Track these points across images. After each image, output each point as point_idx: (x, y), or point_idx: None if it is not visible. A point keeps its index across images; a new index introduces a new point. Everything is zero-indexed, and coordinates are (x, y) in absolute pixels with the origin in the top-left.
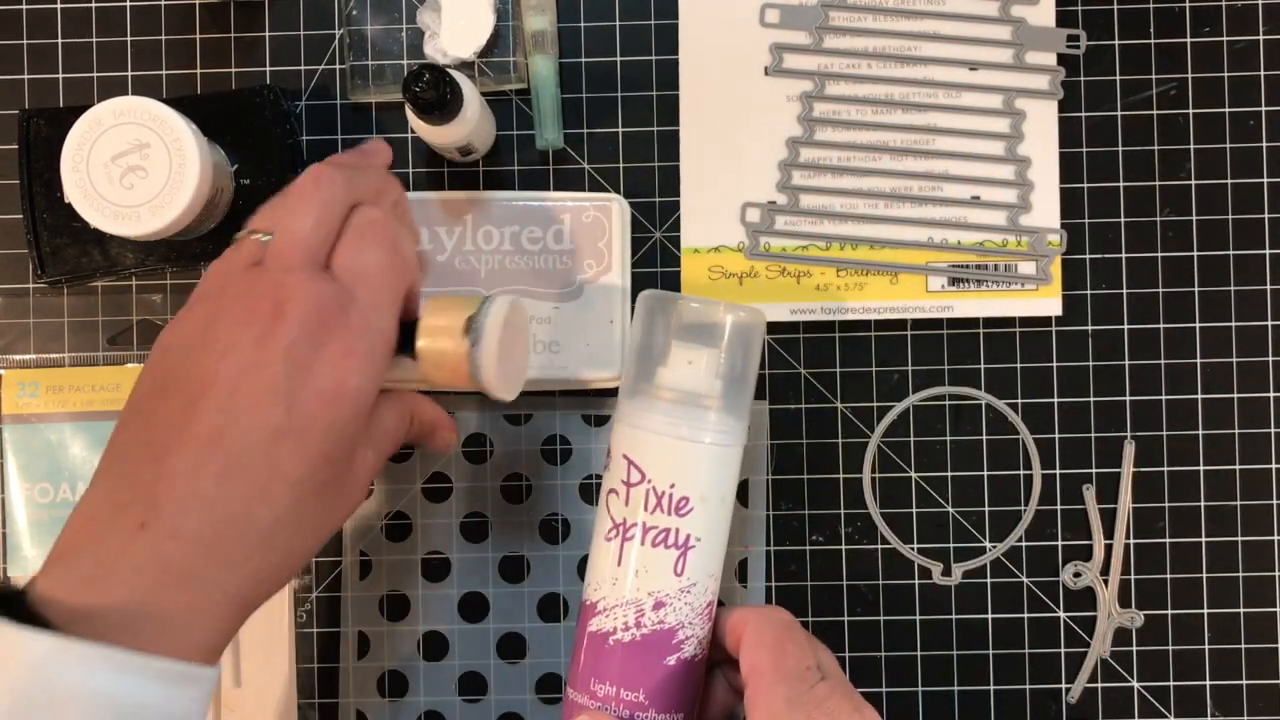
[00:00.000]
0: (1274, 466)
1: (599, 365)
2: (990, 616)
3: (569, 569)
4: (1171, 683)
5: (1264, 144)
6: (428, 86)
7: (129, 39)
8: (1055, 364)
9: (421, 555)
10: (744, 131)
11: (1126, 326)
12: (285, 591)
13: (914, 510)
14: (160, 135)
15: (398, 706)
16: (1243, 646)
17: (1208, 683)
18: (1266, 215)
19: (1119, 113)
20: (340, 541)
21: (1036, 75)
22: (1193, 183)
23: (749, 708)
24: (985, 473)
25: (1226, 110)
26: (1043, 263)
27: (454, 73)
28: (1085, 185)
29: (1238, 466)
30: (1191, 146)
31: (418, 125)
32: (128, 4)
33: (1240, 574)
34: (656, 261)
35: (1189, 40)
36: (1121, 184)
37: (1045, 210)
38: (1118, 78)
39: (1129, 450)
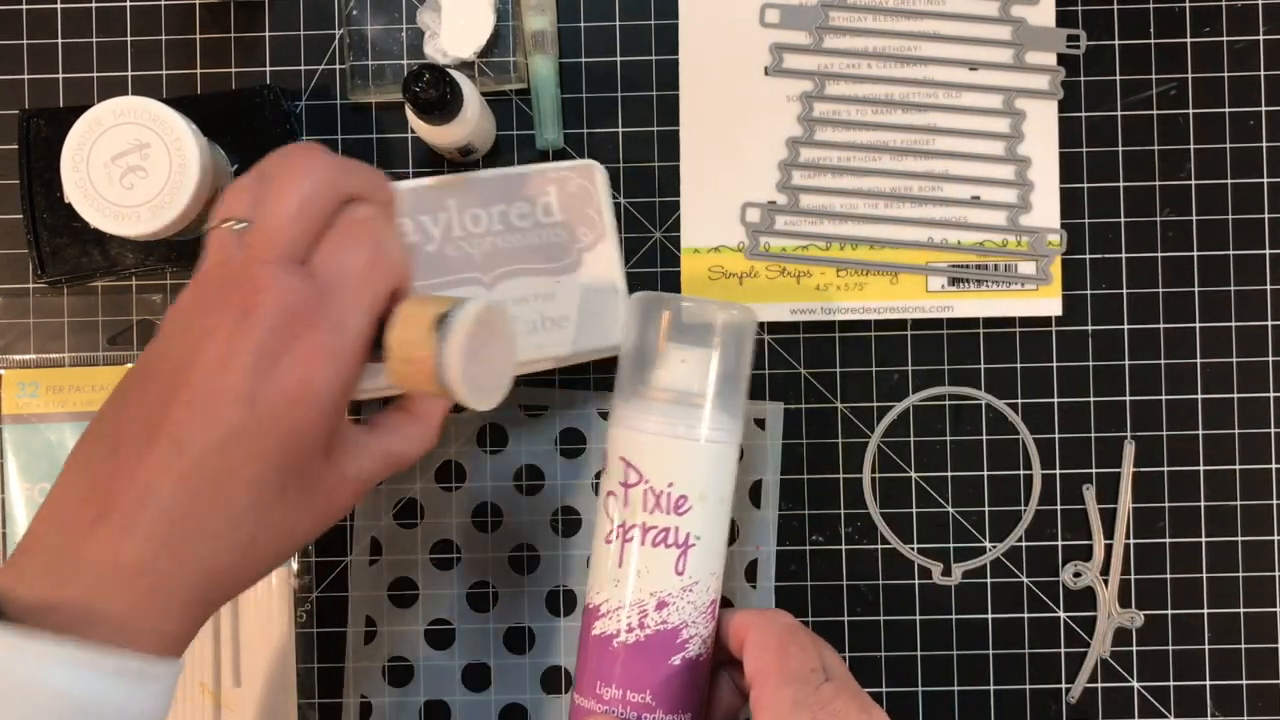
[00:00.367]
0: (1274, 466)
1: (607, 335)
2: (990, 616)
3: (577, 564)
4: (1171, 683)
5: (1264, 144)
6: (428, 86)
7: (129, 39)
8: (1055, 364)
9: (429, 546)
10: (744, 131)
11: (1126, 326)
12: (285, 591)
13: (914, 510)
14: (160, 135)
15: (401, 700)
16: (1243, 646)
17: (1208, 683)
18: (1266, 215)
19: (1119, 113)
20: (347, 537)
21: (1036, 75)
22: (1193, 183)
23: (755, 710)
24: (985, 473)
25: (1226, 110)
26: (1043, 263)
27: (454, 73)
28: (1085, 185)
29: (1238, 466)
30: (1191, 146)
31: (418, 125)
32: (128, 4)
33: (1240, 574)
34: (656, 261)
35: (1189, 40)
36: (1121, 184)
37: (1045, 210)
38: (1118, 78)
39: (1129, 450)
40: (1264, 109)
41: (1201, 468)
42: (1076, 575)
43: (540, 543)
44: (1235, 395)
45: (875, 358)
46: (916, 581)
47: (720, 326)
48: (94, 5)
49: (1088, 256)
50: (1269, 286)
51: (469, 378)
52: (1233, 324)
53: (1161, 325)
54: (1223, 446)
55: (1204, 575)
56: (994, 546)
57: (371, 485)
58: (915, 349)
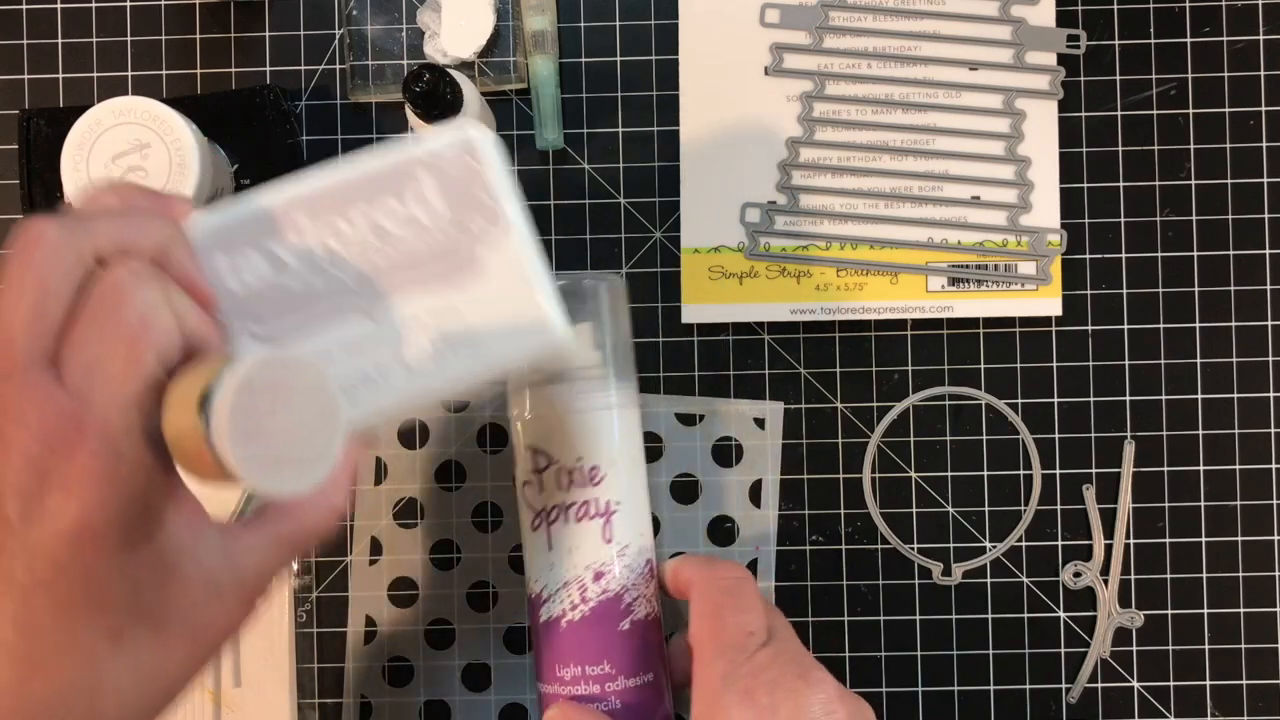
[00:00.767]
0: (1274, 466)
1: (532, 337)
2: (990, 616)
3: None
4: (1171, 683)
5: (1264, 144)
6: (428, 86)
7: (129, 39)
8: (1055, 364)
9: (429, 546)
10: (744, 131)
11: (1126, 326)
12: (285, 591)
13: (914, 510)
14: (160, 135)
15: (400, 700)
16: (1243, 646)
17: (1208, 683)
18: (1266, 215)
19: (1119, 113)
20: (347, 537)
21: (1036, 75)
22: (1193, 183)
23: (693, 685)
24: (985, 473)
25: (1226, 110)
26: (1043, 263)
27: (454, 73)
28: (1085, 185)
29: (1238, 466)
30: (1191, 146)
31: (418, 125)
32: (128, 4)
33: (1240, 574)
34: (656, 262)
35: (1189, 40)
36: (1121, 184)
37: (1045, 210)
38: (1118, 78)
39: (1129, 450)
40: (1264, 109)
41: (1201, 468)
42: (1076, 575)
43: None
44: (1235, 395)
45: (875, 358)
46: (916, 581)
47: (591, 296)
48: (94, 5)
49: (1088, 256)
50: (1269, 286)
51: (256, 460)
52: (1233, 324)
53: (1161, 325)
54: (1223, 446)
55: (1204, 575)
56: (994, 546)
57: (266, 581)
58: (915, 349)
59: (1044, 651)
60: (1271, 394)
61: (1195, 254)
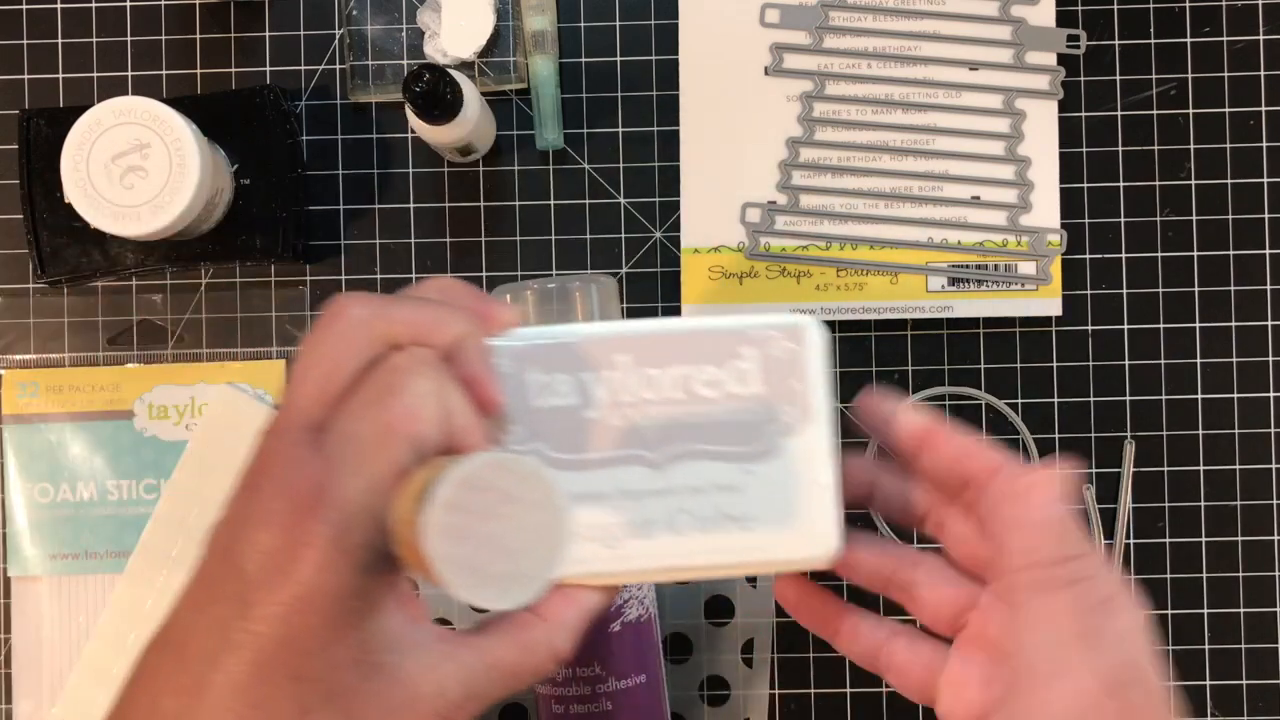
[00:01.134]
0: (1274, 467)
1: (807, 542)
2: None
3: None
4: (1171, 682)
5: (1264, 144)
6: (428, 86)
7: (129, 39)
8: (1055, 364)
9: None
10: (744, 131)
11: (1126, 326)
12: None
13: None
14: (160, 135)
15: None
16: (1243, 646)
17: (1208, 683)
18: (1266, 215)
19: (1119, 113)
20: None
21: (1036, 75)
22: (1193, 183)
23: (1012, 601)
24: None
25: (1226, 110)
26: (1043, 263)
27: (454, 73)
28: (1085, 185)
29: (1238, 466)
30: (1191, 146)
31: (418, 125)
32: (128, 4)
33: (1240, 574)
34: (656, 262)
35: (1189, 40)
36: (1121, 184)
37: (1045, 210)
38: (1118, 78)
39: (1129, 450)
40: (1264, 109)
41: (1201, 468)
42: None
43: None
44: (1235, 395)
45: (875, 358)
46: None
47: (585, 296)
48: (94, 5)
49: (1088, 256)
50: (1269, 286)
51: (458, 563)
52: (1233, 324)
53: (1161, 325)
54: (1223, 446)
55: (1204, 575)
56: None
57: (471, 705)
58: (915, 349)
59: None
60: (1271, 394)
61: (1195, 254)
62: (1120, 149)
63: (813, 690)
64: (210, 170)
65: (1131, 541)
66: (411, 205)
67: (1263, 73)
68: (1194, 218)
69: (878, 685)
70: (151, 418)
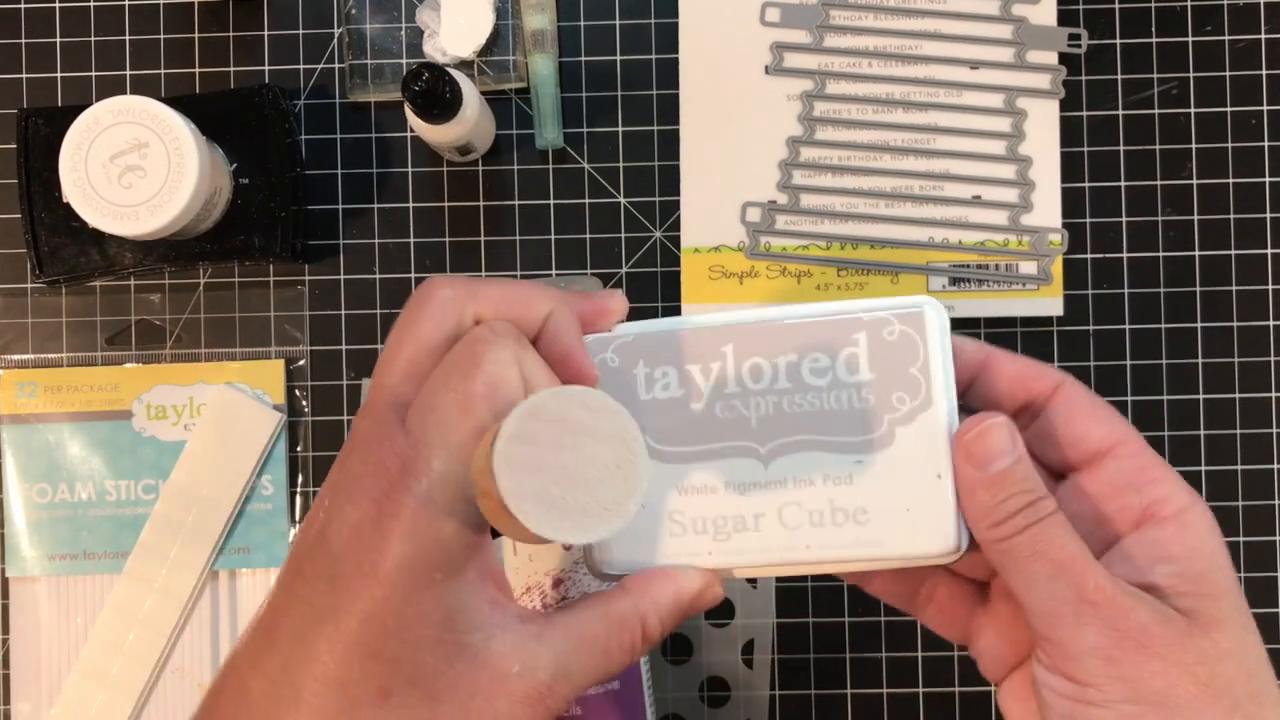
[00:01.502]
0: (1275, 467)
1: (926, 536)
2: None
3: None
4: None
5: (1265, 143)
6: (427, 85)
7: (128, 38)
8: (1056, 364)
9: None
10: (744, 131)
11: (1128, 326)
12: None
13: None
14: (159, 134)
15: None
16: None
17: None
18: (1268, 215)
19: (1120, 112)
20: None
21: (1038, 74)
22: (1194, 182)
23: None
24: None
25: (1228, 109)
26: (1044, 262)
27: (453, 72)
28: (1087, 185)
29: (1239, 467)
30: (1193, 146)
31: (417, 124)
32: (126, 3)
33: (1242, 574)
34: (656, 261)
35: (1190, 39)
36: (1123, 183)
37: (1046, 210)
38: (1119, 77)
39: None
40: (1265, 108)
41: (1203, 468)
42: None
43: None
44: (1237, 395)
45: None
46: None
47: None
48: (92, 4)
49: (1089, 256)
50: (1270, 286)
51: (529, 494)
52: (1234, 324)
53: (1163, 325)
54: (1224, 446)
55: None
56: None
57: (563, 687)
58: None
59: None
60: (1273, 394)
61: (1197, 254)
62: (1122, 148)
63: (813, 691)
64: (209, 170)
65: None
66: (411, 205)
67: (1264, 72)
68: (1195, 217)
69: (878, 686)
70: (150, 418)
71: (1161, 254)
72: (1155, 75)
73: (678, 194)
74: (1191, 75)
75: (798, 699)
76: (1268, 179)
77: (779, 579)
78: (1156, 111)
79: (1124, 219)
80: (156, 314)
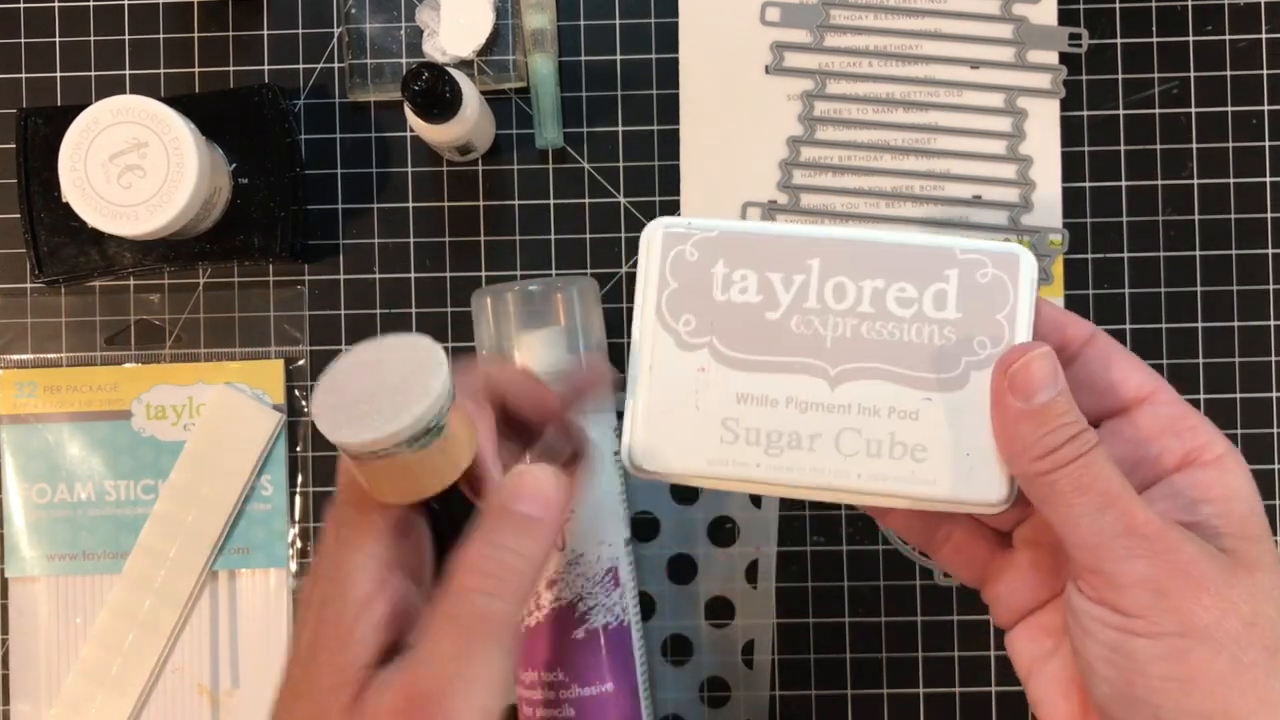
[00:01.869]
0: (1275, 468)
1: (981, 483)
2: (992, 617)
3: None
4: None
5: (1266, 143)
6: (427, 85)
7: (127, 38)
8: None
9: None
10: (744, 130)
11: (1129, 326)
12: (283, 593)
13: None
14: (158, 134)
15: None
16: None
17: None
18: (1269, 215)
19: (1121, 111)
20: None
21: (1038, 74)
22: (1195, 182)
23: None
24: None
25: (1229, 109)
26: (1045, 262)
27: (453, 71)
28: (1087, 184)
29: None
30: (1194, 146)
31: (416, 124)
32: (125, 3)
33: None
34: None
35: (1191, 39)
36: (1123, 183)
37: (1047, 210)
38: (1120, 76)
39: None
40: (1266, 108)
41: None
42: None
43: None
44: (1237, 395)
45: None
46: (918, 582)
47: (567, 299)
48: (92, 4)
49: (1089, 256)
50: (1271, 286)
51: (332, 408)
52: (1235, 324)
53: (1164, 325)
54: None
55: None
56: None
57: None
58: None
59: None
60: (1274, 394)
61: (1197, 253)
62: (1122, 148)
63: (813, 691)
64: (208, 169)
65: None
66: (410, 204)
67: (1265, 71)
68: (1196, 217)
69: (878, 686)
70: (149, 418)
71: (1162, 254)
72: (1156, 75)
73: (678, 194)
74: (1192, 75)
75: (798, 699)
76: (1268, 179)
77: (778, 580)
78: (1157, 111)
79: (1124, 219)
80: (156, 314)
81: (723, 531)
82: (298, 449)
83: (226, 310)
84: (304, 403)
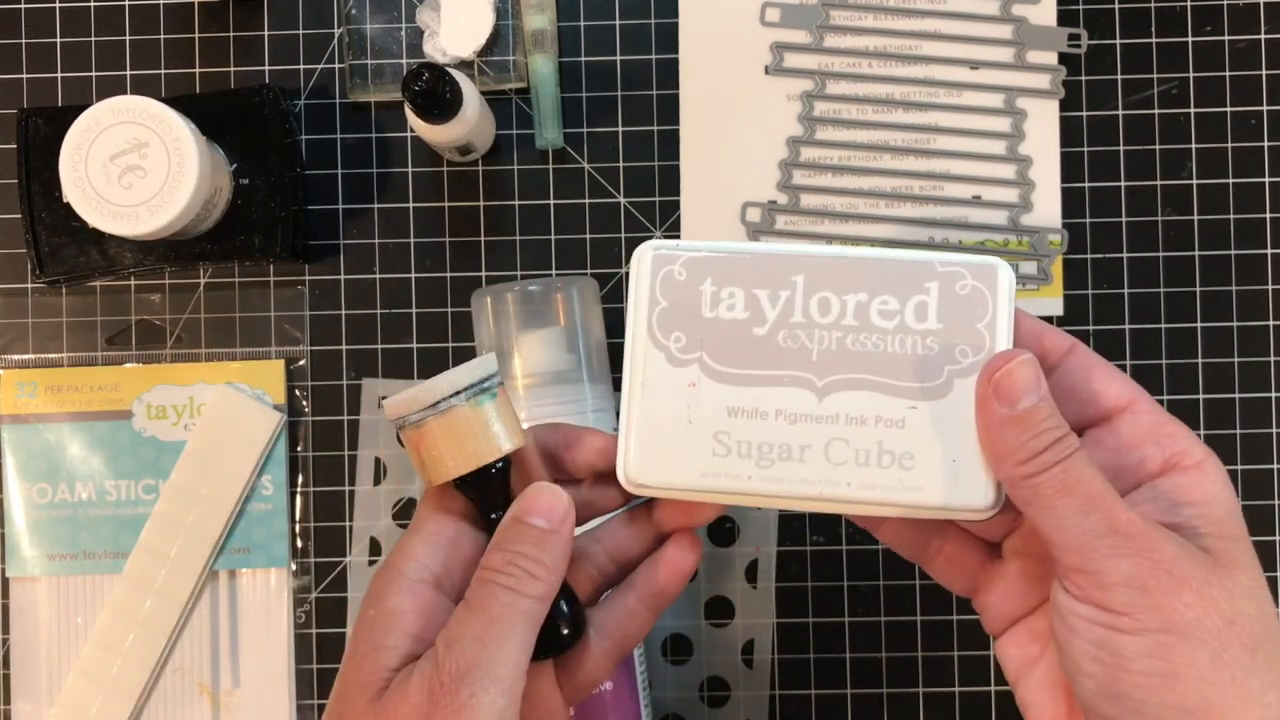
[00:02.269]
0: (1274, 467)
1: (968, 489)
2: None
3: None
4: None
5: (1265, 143)
6: (427, 85)
7: (128, 38)
8: None
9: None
10: (744, 131)
11: (1128, 326)
12: (284, 592)
13: None
14: (159, 134)
15: None
16: None
17: None
18: (1268, 215)
19: (1120, 112)
20: (346, 537)
21: (1038, 74)
22: (1194, 182)
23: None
24: None
25: (1228, 109)
26: (1044, 263)
27: (453, 72)
28: (1086, 185)
29: (1239, 467)
30: (1193, 146)
31: (417, 124)
32: (126, 3)
33: None
34: None
35: (1190, 39)
36: (1123, 183)
37: (1046, 210)
38: (1119, 77)
39: None
40: (1265, 108)
41: None
42: None
43: None
44: (1237, 395)
45: None
46: (917, 582)
47: (567, 299)
48: (92, 4)
49: (1089, 256)
50: (1270, 286)
51: (393, 401)
52: (1234, 324)
53: (1163, 325)
54: (1225, 446)
55: None
56: None
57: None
58: None
59: None
60: (1273, 394)
61: (1197, 253)
62: (1121, 148)
63: (813, 691)
64: (209, 170)
65: None
66: (411, 205)
67: (1264, 72)
68: (1195, 217)
69: (878, 686)
70: (150, 418)
71: (1161, 254)
72: (1155, 75)
73: (678, 194)
74: (1191, 75)
75: (798, 699)
76: (1267, 179)
77: (778, 580)
78: (1156, 111)
79: (1124, 219)
80: (157, 314)
81: (722, 531)
82: (298, 449)
83: (227, 310)
84: (304, 403)
